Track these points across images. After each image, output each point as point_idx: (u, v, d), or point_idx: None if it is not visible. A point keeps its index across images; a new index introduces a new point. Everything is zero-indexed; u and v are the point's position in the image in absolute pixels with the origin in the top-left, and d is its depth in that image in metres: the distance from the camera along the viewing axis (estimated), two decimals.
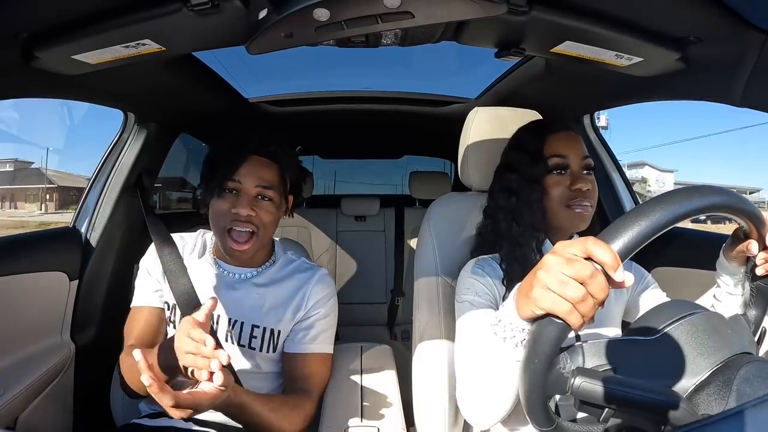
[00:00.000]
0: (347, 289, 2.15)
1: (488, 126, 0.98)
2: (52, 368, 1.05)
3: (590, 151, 1.38)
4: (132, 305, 0.94)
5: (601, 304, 0.42)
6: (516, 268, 0.79)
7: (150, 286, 0.93)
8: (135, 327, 0.91)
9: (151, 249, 0.97)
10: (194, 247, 0.97)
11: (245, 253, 0.87)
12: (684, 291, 0.97)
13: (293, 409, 0.85)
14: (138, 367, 0.60)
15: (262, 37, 0.68)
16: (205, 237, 1.00)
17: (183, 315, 0.90)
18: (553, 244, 0.82)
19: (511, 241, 0.81)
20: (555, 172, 0.81)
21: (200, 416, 0.88)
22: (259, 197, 0.88)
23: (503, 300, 0.77)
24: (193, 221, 1.66)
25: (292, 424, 0.84)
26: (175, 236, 0.99)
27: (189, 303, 0.90)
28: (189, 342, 0.66)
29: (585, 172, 0.81)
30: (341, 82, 1.77)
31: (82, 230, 1.23)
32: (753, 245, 0.58)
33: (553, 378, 0.45)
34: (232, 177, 0.86)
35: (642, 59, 0.80)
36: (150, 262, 0.95)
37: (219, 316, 0.90)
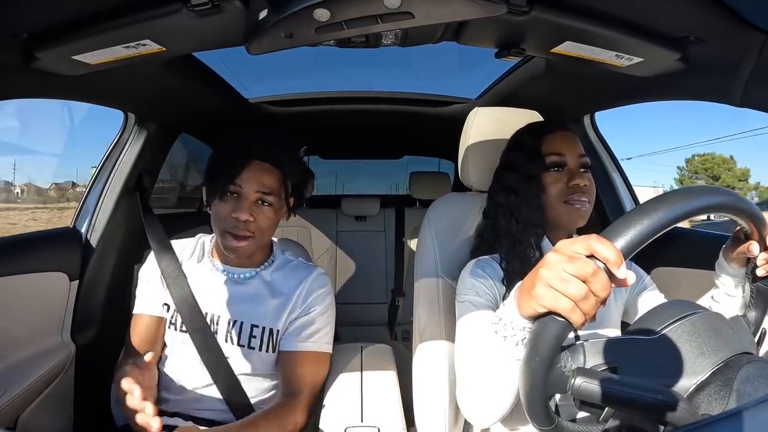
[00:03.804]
0: (347, 289, 2.15)
1: (488, 126, 0.98)
2: (53, 369, 1.05)
3: (590, 151, 1.39)
4: (134, 311, 0.95)
5: (603, 302, 0.42)
6: (516, 265, 0.79)
7: (148, 294, 0.94)
8: (134, 334, 0.93)
9: (150, 257, 0.98)
10: (193, 251, 0.98)
11: (243, 250, 0.88)
12: (684, 291, 0.97)
13: (281, 423, 0.83)
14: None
15: (262, 37, 0.68)
16: (204, 240, 1.00)
17: (183, 318, 0.90)
18: (553, 243, 0.84)
19: (511, 239, 0.82)
20: (552, 169, 0.82)
21: (200, 415, 0.89)
22: (259, 202, 0.88)
23: (503, 300, 0.77)
24: (193, 221, 1.67)
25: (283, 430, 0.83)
26: (174, 242, 1.00)
27: (188, 307, 0.90)
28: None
29: (582, 170, 0.83)
30: (341, 83, 1.77)
31: (83, 230, 1.22)
32: (754, 246, 0.58)
33: (553, 377, 0.45)
34: (233, 181, 0.86)
35: (642, 59, 0.80)
36: (149, 270, 0.96)
37: (219, 316, 0.91)
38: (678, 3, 0.66)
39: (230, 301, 0.91)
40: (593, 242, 0.42)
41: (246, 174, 0.87)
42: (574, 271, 0.41)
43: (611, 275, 0.41)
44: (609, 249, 0.41)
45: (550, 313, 0.43)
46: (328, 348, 0.94)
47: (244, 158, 0.88)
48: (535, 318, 0.45)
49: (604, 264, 0.41)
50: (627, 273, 0.41)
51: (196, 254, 0.97)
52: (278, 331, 0.91)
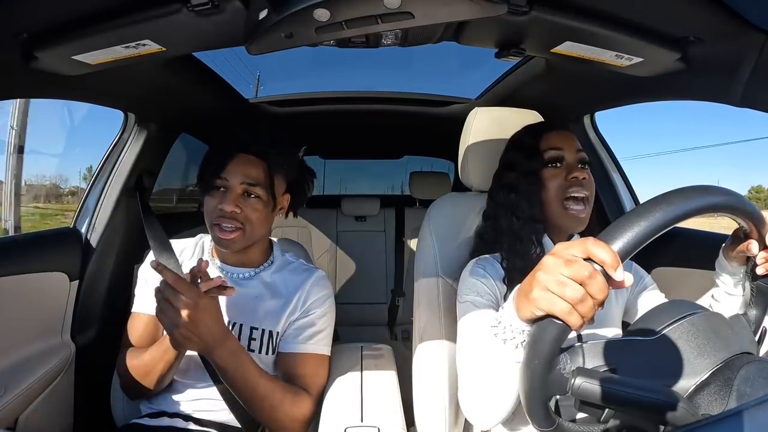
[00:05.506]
0: (347, 289, 2.15)
1: (488, 126, 0.98)
2: (53, 368, 1.05)
3: (590, 151, 1.39)
4: (132, 310, 0.95)
5: (601, 304, 0.42)
6: (517, 262, 0.80)
7: (147, 294, 0.94)
8: (134, 332, 0.93)
9: (150, 257, 0.97)
10: (193, 252, 0.98)
11: (232, 242, 0.88)
12: (684, 291, 0.97)
13: (295, 395, 0.85)
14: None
15: (263, 37, 0.68)
16: (204, 240, 1.00)
17: None
18: (553, 241, 0.84)
19: (512, 236, 0.83)
20: (551, 165, 0.83)
21: (201, 416, 0.88)
22: (246, 194, 0.88)
23: (504, 299, 0.77)
24: (193, 221, 1.67)
25: (289, 408, 0.84)
26: (174, 242, 0.99)
27: None
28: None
29: (580, 165, 0.83)
30: (341, 83, 1.78)
31: (83, 230, 1.22)
32: (753, 245, 0.58)
33: (553, 378, 0.45)
34: (219, 174, 0.87)
35: (642, 59, 0.80)
36: (148, 270, 0.95)
37: None
38: (678, 3, 0.66)
39: (230, 303, 0.91)
40: (590, 245, 0.42)
41: (231, 167, 0.88)
42: (570, 274, 0.41)
43: (608, 278, 0.41)
44: (606, 252, 0.41)
45: (548, 316, 0.43)
46: (326, 350, 0.94)
47: (229, 151, 0.89)
48: (534, 321, 0.45)
49: (601, 266, 0.41)
50: (624, 275, 0.41)
51: (196, 255, 0.97)
52: (278, 333, 0.91)
